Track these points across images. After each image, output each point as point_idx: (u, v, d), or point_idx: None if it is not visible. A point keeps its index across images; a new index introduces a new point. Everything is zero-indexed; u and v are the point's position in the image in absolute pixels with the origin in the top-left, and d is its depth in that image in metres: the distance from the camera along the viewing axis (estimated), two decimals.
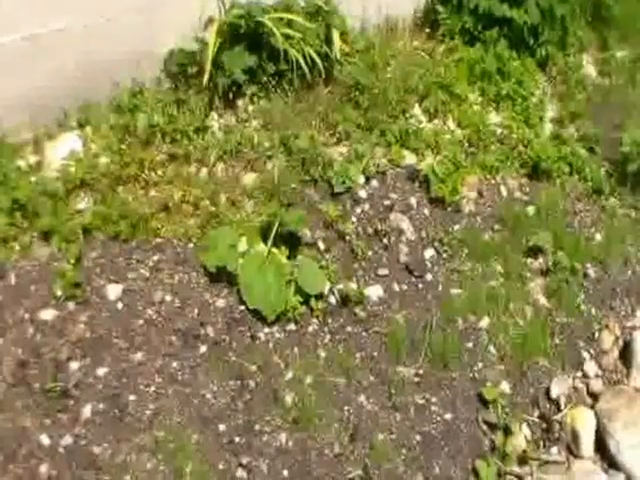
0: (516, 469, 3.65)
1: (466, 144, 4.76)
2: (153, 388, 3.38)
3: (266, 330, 3.71)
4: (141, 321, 3.57)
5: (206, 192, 4.08)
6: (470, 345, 3.96)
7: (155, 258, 3.80)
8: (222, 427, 3.35)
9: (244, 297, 3.71)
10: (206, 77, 4.24)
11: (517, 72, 5.00)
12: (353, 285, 3.97)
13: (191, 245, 3.90)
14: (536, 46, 5.06)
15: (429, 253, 4.26)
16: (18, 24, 3.99)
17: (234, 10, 4.38)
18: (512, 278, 4.25)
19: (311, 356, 3.70)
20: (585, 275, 4.33)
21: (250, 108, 4.48)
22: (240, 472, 3.27)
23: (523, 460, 3.68)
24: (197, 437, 3.30)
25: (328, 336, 3.81)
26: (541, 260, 4.35)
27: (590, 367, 4.04)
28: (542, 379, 3.95)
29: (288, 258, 3.86)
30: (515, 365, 3.95)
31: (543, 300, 4.22)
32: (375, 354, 3.82)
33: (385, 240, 4.22)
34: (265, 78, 4.48)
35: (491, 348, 3.98)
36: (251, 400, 3.45)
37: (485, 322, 4.05)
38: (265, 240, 3.86)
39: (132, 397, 3.34)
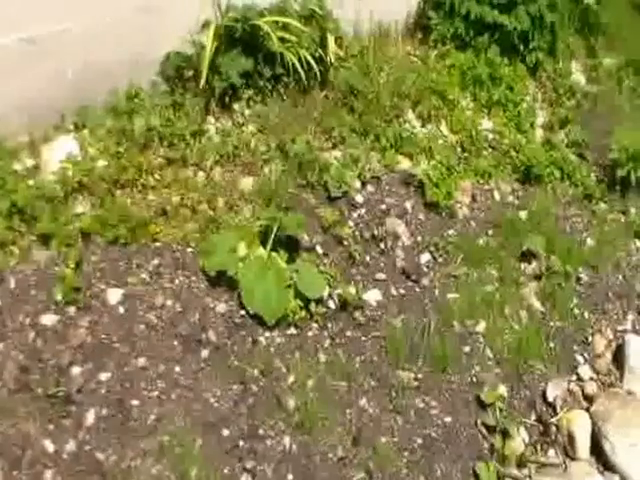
0: (515, 471, 3.70)
1: (459, 149, 4.83)
2: (156, 393, 3.37)
3: (267, 334, 3.72)
4: (142, 326, 3.56)
5: (204, 196, 4.07)
6: (467, 349, 4.01)
7: (155, 262, 3.78)
8: (226, 432, 3.35)
9: (244, 302, 3.71)
10: (203, 80, 4.23)
11: (508, 78, 5.08)
12: (352, 289, 3.99)
13: (190, 249, 3.89)
14: (526, 52, 5.14)
15: (425, 258, 4.30)
16: (16, 25, 3.94)
17: (230, 13, 4.38)
18: (507, 282, 4.31)
19: (312, 360, 3.71)
20: (578, 279, 4.41)
21: (246, 112, 4.48)
22: (245, 477, 3.27)
23: (521, 462, 3.73)
24: (201, 442, 3.29)
25: (328, 340, 3.83)
26: (535, 264, 4.41)
27: (584, 370, 4.11)
28: (538, 382, 4.01)
29: (287, 262, 3.87)
30: (512, 369, 4.01)
31: (537, 304, 4.28)
32: (375, 358, 3.84)
33: (382, 245, 4.26)
34: (261, 82, 4.49)
35: (488, 352, 4.03)
36: (254, 404, 3.46)
37: (482, 326, 4.10)
38: (264, 244, 3.86)
39: (135, 402, 3.33)
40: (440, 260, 4.31)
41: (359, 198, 4.35)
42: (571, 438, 3.84)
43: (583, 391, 4.03)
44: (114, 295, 3.63)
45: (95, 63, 4.19)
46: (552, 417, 3.92)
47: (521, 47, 5.10)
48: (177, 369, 3.46)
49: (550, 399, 3.95)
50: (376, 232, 4.27)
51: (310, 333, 3.81)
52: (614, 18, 5.61)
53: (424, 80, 4.94)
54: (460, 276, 4.28)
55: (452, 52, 5.11)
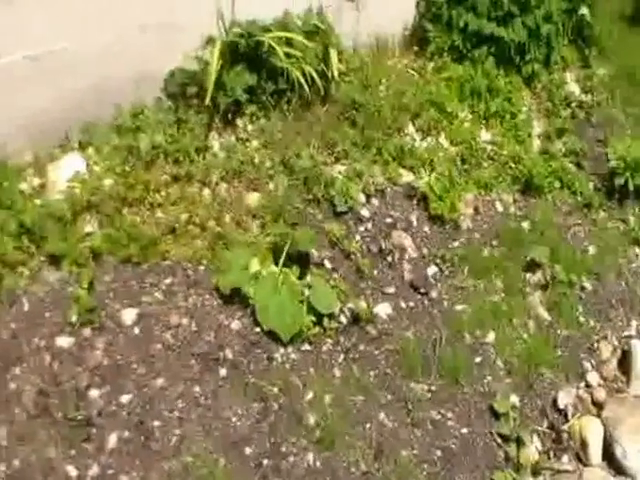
0: (530, 479, 3.74)
1: (459, 161, 4.85)
2: (177, 414, 3.36)
3: (282, 351, 3.72)
4: (159, 346, 3.54)
5: (211, 213, 4.07)
6: (478, 360, 4.05)
7: (168, 281, 3.77)
8: (248, 450, 3.35)
9: (259, 318, 3.71)
10: (208, 97, 4.22)
11: (505, 89, 5.13)
12: (363, 304, 4.01)
13: (202, 267, 3.88)
14: (522, 64, 5.21)
15: (432, 270, 4.34)
16: (20, 44, 3.93)
17: (234, 29, 4.39)
18: (513, 293, 4.36)
19: (327, 375, 3.72)
20: (582, 288, 4.47)
21: (250, 127, 4.49)
22: None
23: (536, 470, 3.77)
24: (224, 461, 3.29)
25: (342, 355, 3.84)
26: (539, 274, 4.46)
27: (592, 377, 4.17)
28: (548, 390, 4.06)
29: (299, 278, 3.88)
30: (522, 378, 4.06)
31: (544, 313, 4.34)
32: (388, 371, 3.86)
33: (389, 258, 4.28)
34: (264, 97, 4.49)
35: (498, 362, 4.07)
36: (275, 422, 3.46)
37: (491, 337, 4.14)
38: (276, 261, 3.87)
39: (157, 423, 3.31)
40: (446, 272, 4.35)
41: (365, 212, 4.37)
42: (584, 444, 3.90)
43: (592, 397, 4.09)
44: (129, 315, 3.61)
45: (99, 81, 4.18)
46: (564, 424, 3.97)
47: (517, 59, 5.15)
48: (196, 389, 3.45)
49: (561, 406, 4.01)
50: (383, 245, 4.29)
51: (324, 348, 3.82)
52: (606, 29, 5.70)
53: (422, 93, 4.98)
54: (467, 287, 4.32)
55: (449, 64, 5.15)
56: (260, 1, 4.48)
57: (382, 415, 3.66)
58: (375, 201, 4.46)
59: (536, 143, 5.16)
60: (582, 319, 4.35)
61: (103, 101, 4.21)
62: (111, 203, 3.95)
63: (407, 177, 4.66)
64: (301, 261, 3.98)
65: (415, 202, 4.56)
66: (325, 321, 3.83)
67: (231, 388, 3.51)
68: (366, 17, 4.99)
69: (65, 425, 3.22)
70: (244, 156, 4.33)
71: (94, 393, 3.34)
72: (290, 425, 3.46)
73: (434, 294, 4.24)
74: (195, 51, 4.40)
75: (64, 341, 3.48)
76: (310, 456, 3.39)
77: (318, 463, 3.38)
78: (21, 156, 4.10)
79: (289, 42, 4.53)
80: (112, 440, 3.24)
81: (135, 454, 3.22)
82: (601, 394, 4.09)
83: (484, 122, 5.10)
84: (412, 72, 5.14)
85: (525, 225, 4.66)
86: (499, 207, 4.74)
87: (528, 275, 4.47)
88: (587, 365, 4.21)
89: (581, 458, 3.90)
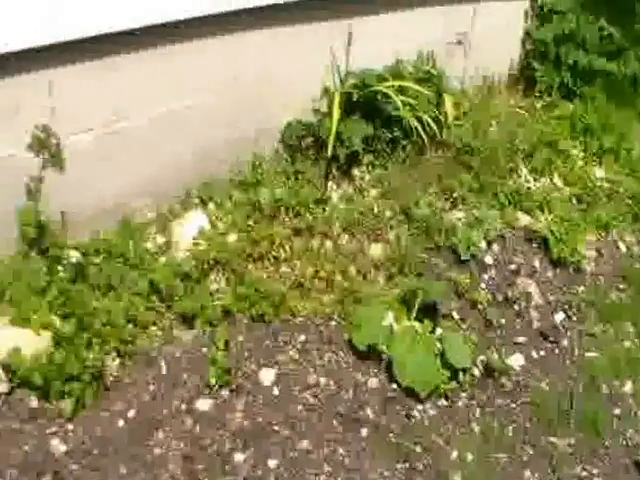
0: None
1: (575, 201, 4.75)
2: (323, 477, 3.29)
3: (420, 407, 3.64)
4: (300, 406, 3.49)
5: (336, 266, 4.03)
6: (617, 411, 3.89)
7: (301, 338, 3.74)
8: None
9: (396, 375, 3.64)
10: (330, 149, 4.21)
11: (618, 125, 5.01)
12: (495, 355, 3.91)
13: (332, 323, 3.84)
14: (635, 98, 5.07)
15: (559, 317, 4.22)
16: (142, 105, 3.97)
17: (350, 80, 4.38)
18: None
19: (467, 432, 3.62)
20: None
21: (367, 177, 4.47)
22: None
23: None
24: None
25: (478, 410, 3.74)
26: None
27: None
28: None
29: (430, 331, 3.80)
30: None
31: None
32: (527, 425, 3.74)
33: (516, 306, 4.18)
34: (380, 146, 4.47)
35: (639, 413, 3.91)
36: None
37: (628, 386, 3.99)
38: (409, 314, 3.81)
39: None
40: (574, 318, 4.23)
41: (488, 259, 4.29)
42: None
43: None
44: (267, 375, 3.57)
45: (217, 136, 4.21)
46: None
47: (630, 93, 5.03)
48: (340, 450, 3.39)
49: None
50: (509, 293, 4.20)
51: (460, 403, 3.73)
52: None
53: (533, 132, 4.90)
54: (597, 334, 4.18)
55: (559, 102, 5.06)
56: (372, 50, 4.49)
57: (527, 473, 3.54)
58: (496, 247, 4.37)
59: None
60: None
61: (222, 156, 4.25)
62: (237, 259, 3.94)
63: (524, 220, 4.58)
64: (429, 313, 3.92)
65: (535, 246, 4.47)
66: (460, 375, 3.74)
67: (374, 448, 3.43)
68: (473, 58, 4.95)
69: None
70: (363, 206, 4.30)
71: (239, 457, 3.29)
72: None
73: (564, 342, 4.11)
74: (312, 102, 4.41)
75: (204, 403, 3.46)
76: None
77: None
78: (144, 214, 4.13)
79: (402, 89, 4.51)
80: None
81: None
82: None
83: (598, 160, 4.99)
84: (521, 111, 5.05)
85: None
86: (622, 248, 4.61)
87: None
88: None
89: None
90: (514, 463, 3.56)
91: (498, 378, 3.85)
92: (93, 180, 3.92)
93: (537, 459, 3.62)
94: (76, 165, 3.81)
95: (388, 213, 4.32)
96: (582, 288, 4.36)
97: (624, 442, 3.79)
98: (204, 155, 4.17)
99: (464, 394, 3.76)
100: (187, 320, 3.75)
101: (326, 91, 4.41)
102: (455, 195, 4.47)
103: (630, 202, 4.78)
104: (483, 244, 4.33)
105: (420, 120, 4.47)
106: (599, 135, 4.96)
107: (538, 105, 5.10)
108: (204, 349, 3.63)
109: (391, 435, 3.49)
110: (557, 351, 4.07)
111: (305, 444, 3.37)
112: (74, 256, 3.84)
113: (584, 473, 3.62)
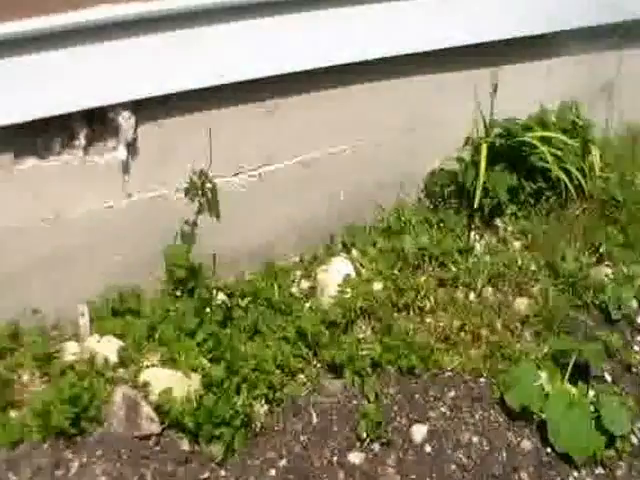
0: None
1: None
2: None
3: (575, 474, 3.48)
4: (453, 466, 3.39)
5: (483, 320, 3.93)
6: None
7: (451, 394, 3.64)
8: None
9: (551, 439, 3.49)
10: (477, 200, 4.13)
11: None
12: None
13: (481, 379, 3.73)
14: None
15: None
16: (295, 149, 3.99)
17: (494, 128, 4.31)
18: None
19: None
20: None
21: (509, 228, 4.36)
22: None
23: None
24: None
25: None
26: None
27: None
28: None
29: (584, 395, 3.66)
30: None
31: None
32: None
33: None
34: (523, 197, 4.37)
35: None
36: None
37: None
38: (561, 375, 3.67)
39: None
40: None
41: None
42: None
43: None
44: (419, 431, 3.48)
45: (362, 184, 4.19)
46: None
47: None
48: None
49: None
50: None
51: (619, 472, 3.55)
52: None
53: None
54: None
55: None
56: (516, 98, 4.41)
57: None
58: None
59: None
60: None
61: (365, 203, 4.23)
62: (383, 308, 3.88)
63: None
64: (581, 374, 3.77)
65: None
66: (617, 442, 3.57)
67: None
68: (617, 107, 4.83)
69: None
70: (507, 258, 4.20)
71: None
72: None
73: None
74: (455, 150, 4.35)
75: (355, 457, 3.39)
76: None
77: None
78: (288, 257, 4.13)
79: (547, 139, 4.41)
80: None
81: None
82: None
83: None
84: None
85: None
86: None
87: None
88: None
89: None
90: None
91: None
92: (239, 222, 3.94)
93: None
94: (224, 207, 3.85)
95: (533, 266, 4.20)
96: None
97: None
98: (349, 201, 4.16)
99: (622, 463, 3.58)
100: (334, 369, 3.70)
101: (468, 139, 4.33)
102: (601, 250, 4.31)
103: None
104: (634, 304, 4.16)
105: (565, 171, 4.36)
106: None
107: None
108: (354, 401, 3.56)
109: None
110: None
111: None
112: (221, 298, 3.84)
113: None
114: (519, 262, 4.20)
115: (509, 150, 4.30)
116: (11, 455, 3.13)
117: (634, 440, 3.66)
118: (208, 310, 3.73)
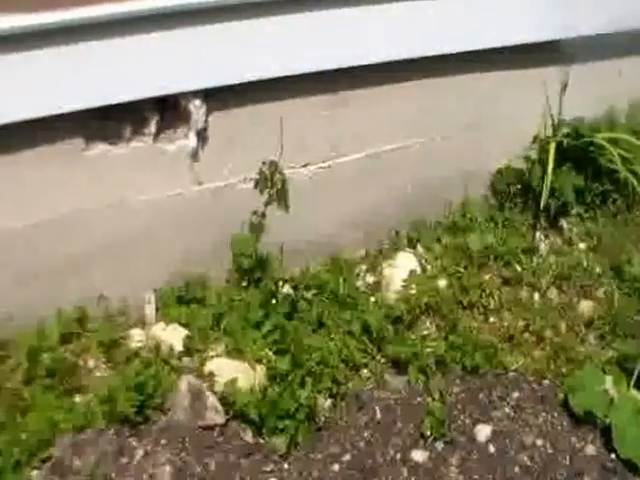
0: None
1: None
2: None
3: None
4: (517, 468, 3.37)
5: (547, 321, 3.90)
6: None
7: (515, 395, 3.62)
8: None
9: (616, 446, 3.46)
10: (544, 200, 4.09)
11: None
12: None
13: (545, 381, 3.71)
14: None
15: None
16: (363, 142, 3.98)
17: (562, 128, 4.26)
18: None
19: None
20: None
21: (575, 229, 4.32)
22: None
23: None
24: None
25: None
26: None
27: None
28: None
29: None
30: None
31: None
32: None
33: None
34: (589, 198, 4.32)
35: None
36: None
37: None
38: (627, 380, 3.63)
39: None
40: None
41: None
42: None
43: None
44: (483, 431, 3.47)
45: (427, 179, 4.17)
46: None
47: None
48: None
49: None
50: None
51: None
52: None
53: None
54: None
55: None
56: (586, 97, 4.35)
57: None
58: None
59: None
60: None
61: (430, 199, 4.21)
62: (447, 306, 3.87)
63: None
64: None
65: None
66: None
67: None
68: None
69: None
70: (572, 260, 4.16)
71: None
72: None
73: None
74: (522, 149, 4.31)
75: (419, 455, 3.38)
76: None
77: None
78: (353, 251, 4.12)
79: (614, 141, 4.35)
80: None
81: None
82: None
83: None
84: None
85: None
86: None
87: None
88: None
89: None
90: None
91: None
92: (306, 214, 3.93)
93: None
94: (291, 198, 3.83)
95: (597, 269, 4.16)
96: None
97: None
98: (415, 196, 4.14)
99: None
100: (397, 365, 3.69)
101: (536, 138, 4.28)
102: None
103: None
104: None
105: (633, 173, 4.30)
106: None
107: None
108: (418, 398, 3.56)
109: None
110: None
111: None
112: (286, 290, 3.85)
113: None
114: (584, 264, 4.17)
115: (576, 150, 4.24)
116: (76, 440, 3.17)
117: None
118: (274, 301, 3.73)
